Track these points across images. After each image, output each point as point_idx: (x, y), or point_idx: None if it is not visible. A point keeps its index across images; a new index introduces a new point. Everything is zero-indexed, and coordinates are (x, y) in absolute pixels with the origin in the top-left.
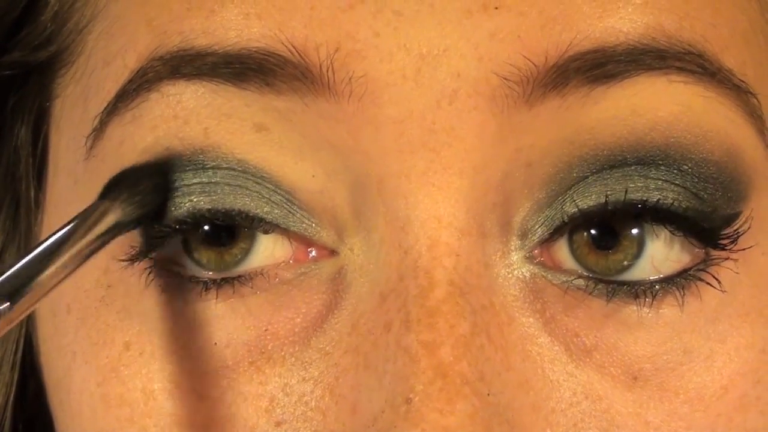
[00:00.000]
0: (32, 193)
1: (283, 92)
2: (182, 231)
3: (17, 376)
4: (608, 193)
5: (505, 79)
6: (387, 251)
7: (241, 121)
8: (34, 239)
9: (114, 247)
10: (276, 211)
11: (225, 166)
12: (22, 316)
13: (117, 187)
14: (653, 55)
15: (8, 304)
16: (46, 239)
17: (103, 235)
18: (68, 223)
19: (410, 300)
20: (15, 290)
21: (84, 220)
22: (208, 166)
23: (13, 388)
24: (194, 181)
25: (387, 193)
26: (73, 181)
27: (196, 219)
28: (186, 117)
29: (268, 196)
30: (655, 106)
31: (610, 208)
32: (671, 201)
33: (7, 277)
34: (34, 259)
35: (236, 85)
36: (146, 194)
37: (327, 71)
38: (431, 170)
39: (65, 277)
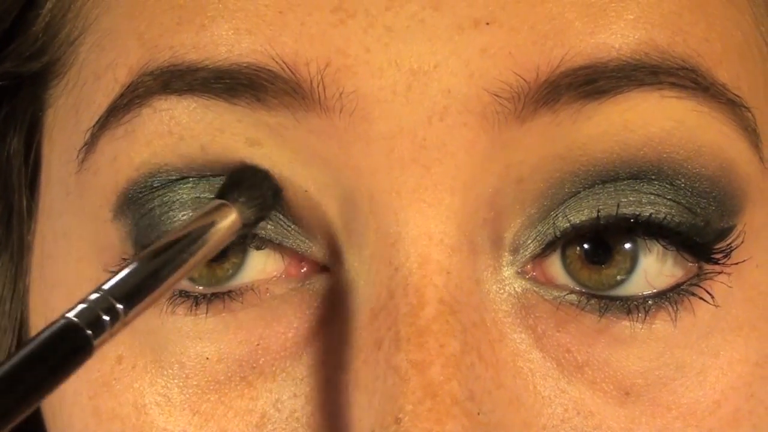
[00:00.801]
0: (24, 203)
1: (273, 107)
2: None
3: None
4: (600, 207)
5: (496, 95)
6: (377, 268)
7: (233, 136)
8: (27, 248)
9: (107, 259)
10: (269, 226)
11: (220, 178)
12: (136, 317)
13: (237, 188)
14: (646, 71)
15: (122, 307)
16: (165, 241)
17: (222, 235)
18: (188, 224)
19: (400, 318)
20: (131, 294)
21: (205, 220)
22: (203, 180)
23: None
24: (191, 195)
25: (378, 209)
26: (65, 192)
27: None
28: (180, 133)
29: None
30: (648, 122)
31: (602, 222)
32: (663, 215)
33: (124, 279)
34: (153, 261)
35: (227, 100)
36: (264, 198)
37: (317, 87)
38: (422, 186)
39: (181, 277)
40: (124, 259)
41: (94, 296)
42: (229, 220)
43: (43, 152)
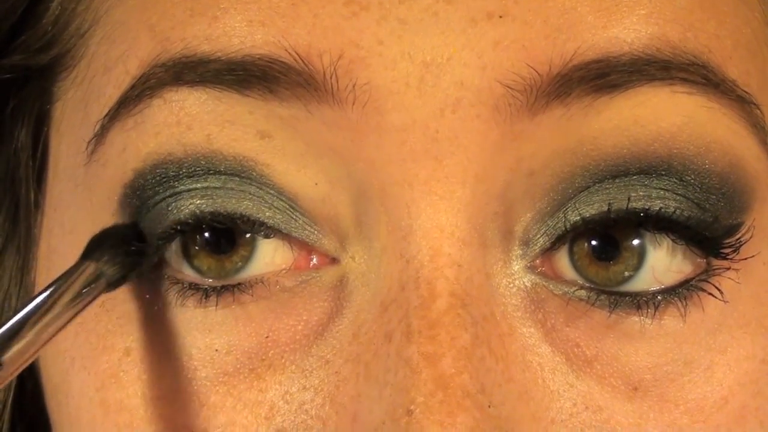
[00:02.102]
0: (32, 195)
1: (286, 99)
2: (183, 233)
3: (15, 380)
4: (611, 201)
5: (509, 88)
6: (388, 260)
7: (244, 128)
8: (33, 241)
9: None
10: (278, 216)
11: (227, 172)
12: (10, 378)
13: (99, 247)
14: (657, 66)
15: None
16: (33, 299)
17: (85, 295)
18: (53, 284)
19: (411, 311)
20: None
21: (67, 280)
22: (211, 172)
23: (12, 391)
24: (196, 185)
25: (389, 202)
26: (73, 184)
27: (198, 221)
28: (189, 123)
29: (270, 202)
30: (659, 117)
31: (612, 216)
32: (673, 209)
33: None
34: (20, 320)
35: (239, 92)
36: (128, 255)
37: (330, 78)
38: (434, 179)
39: (53, 335)
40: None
41: None
42: (86, 277)
43: (50, 145)
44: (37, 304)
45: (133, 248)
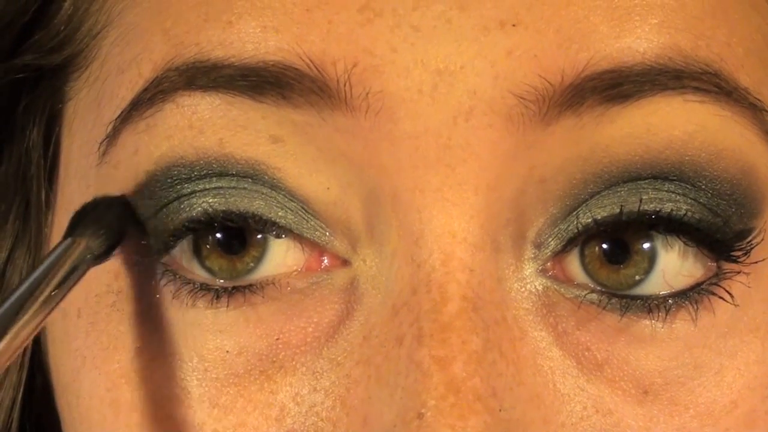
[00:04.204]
0: (43, 194)
1: (299, 106)
2: (194, 231)
3: (25, 376)
4: (622, 204)
5: (521, 98)
6: (399, 264)
7: (256, 133)
8: (44, 239)
9: (126, 251)
10: (290, 216)
11: (240, 174)
12: (2, 367)
13: (81, 223)
14: (669, 75)
15: None
16: (19, 286)
17: (72, 272)
18: (37, 267)
19: (423, 314)
20: None
21: (53, 260)
22: (223, 174)
23: (21, 389)
24: (208, 186)
25: (401, 208)
26: (85, 185)
27: (210, 219)
28: (201, 127)
29: (282, 202)
30: (671, 125)
31: (624, 218)
32: (684, 212)
33: None
34: (7, 308)
35: (253, 97)
36: (111, 227)
37: (344, 86)
38: (446, 186)
39: (44, 319)
40: (146, 253)
41: None
42: (77, 253)
43: (62, 144)
44: (28, 287)
45: (116, 218)
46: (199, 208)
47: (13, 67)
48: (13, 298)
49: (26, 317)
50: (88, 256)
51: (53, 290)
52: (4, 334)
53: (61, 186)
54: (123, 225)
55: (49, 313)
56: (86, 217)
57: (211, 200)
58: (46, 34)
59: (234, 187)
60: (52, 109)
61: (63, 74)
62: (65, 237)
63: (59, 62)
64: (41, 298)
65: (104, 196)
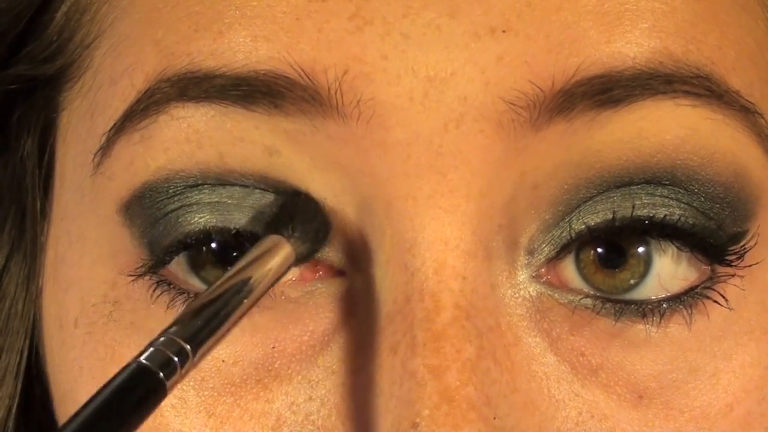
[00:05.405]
0: (38, 204)
1: (291, 114)
2: (190, 247)
3: (21, 384)
4: (615, 209)
5: (512, 104)
6: (393, 273)
7: (252, 144)
8: (40, 249)
9: (121, 263)
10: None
11: (238, 184)
12: (203, 357)
13: (291, 221)
14: (660, 80)
15: (189, 347)
16: (224, 278)
17: (276, 272)
18: (244, 260)
19: (416, 323)
20: (195, 334)
21: (260, 257)
22: (221, 184)
23: (17, 398)
24: (206, 200)
25: (394, 215)
26: (80, 195)
27: (206, 235)
28: (198, 141)
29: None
30: (662, 129)
31: (617, 224)
32: (678, 217)
33: (191, 322)
34: (214, 300)
35: (245, 107)
36: (318, 232)
37: (335, 94)
38: (438, 193)
39: (242, 315)
40: (142, 264)
41: (161, 339)
42: (282, 256)
43: (57, 154)
44: (229, 282)
45: (321, 225)
46: (195, 226)
47: (6, 77)
48: (215, 293)
49: (237, 313)
50: (292, 258)
51: (259, 288)
52: (220, 325)
53: (56, 195)
54: (328, 229)
55: (246, 311)
56: (296, 218)
57: (207, 216)
58: (39, 44)
59: (230, 201)
60: (46, 118)
61: (56, 84)
62: (272, 232)
63: (52, 72)
64: (248, 297)
65: (314, 201)
